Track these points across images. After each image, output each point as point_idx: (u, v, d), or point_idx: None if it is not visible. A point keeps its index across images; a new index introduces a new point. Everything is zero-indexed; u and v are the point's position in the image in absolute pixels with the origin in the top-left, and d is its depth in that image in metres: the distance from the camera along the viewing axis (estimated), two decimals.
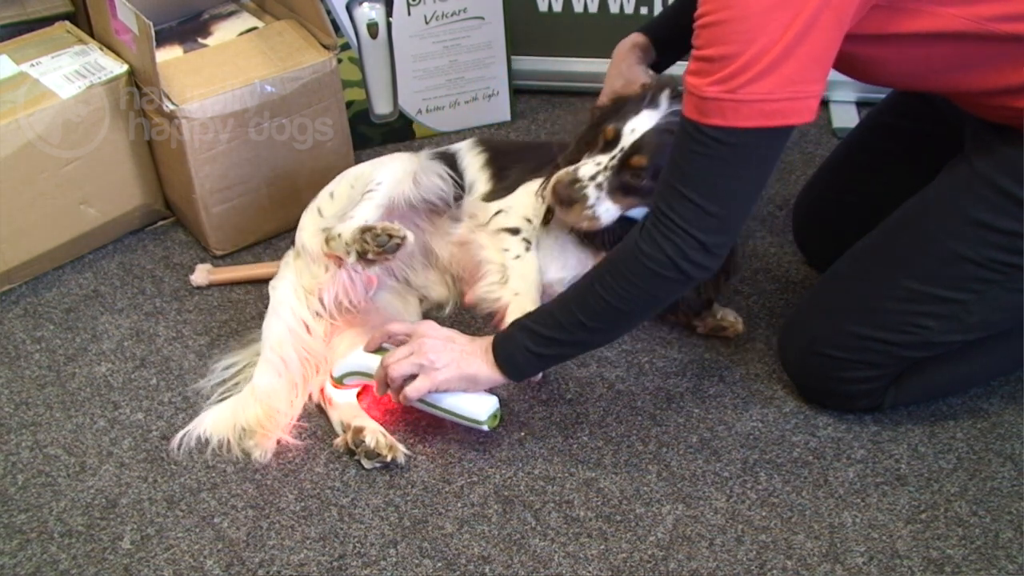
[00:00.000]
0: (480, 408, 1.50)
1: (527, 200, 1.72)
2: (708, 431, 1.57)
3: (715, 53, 1.21)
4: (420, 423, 1.60)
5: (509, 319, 1.57)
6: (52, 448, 1.59)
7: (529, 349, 1.42)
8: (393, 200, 1.67)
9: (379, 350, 1.55)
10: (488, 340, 1.46)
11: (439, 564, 1.40)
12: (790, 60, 1.19)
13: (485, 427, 1.51)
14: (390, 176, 1.68)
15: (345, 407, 1.57)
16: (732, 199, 1.30)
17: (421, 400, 1.48)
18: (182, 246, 2.00)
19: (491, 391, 1.51)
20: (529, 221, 1.70)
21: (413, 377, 1.46)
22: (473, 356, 1.46)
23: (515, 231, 1.69)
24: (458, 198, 1.76)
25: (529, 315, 1.46)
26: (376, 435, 1.51)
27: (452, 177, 1.75)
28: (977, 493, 1.47)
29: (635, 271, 1.34)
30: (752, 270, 1.88)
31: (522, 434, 1.58)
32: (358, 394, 1.62)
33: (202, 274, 1.89)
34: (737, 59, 1.19)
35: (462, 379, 1.46)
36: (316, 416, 1.61)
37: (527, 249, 1.69)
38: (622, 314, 1.39)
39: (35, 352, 1.76)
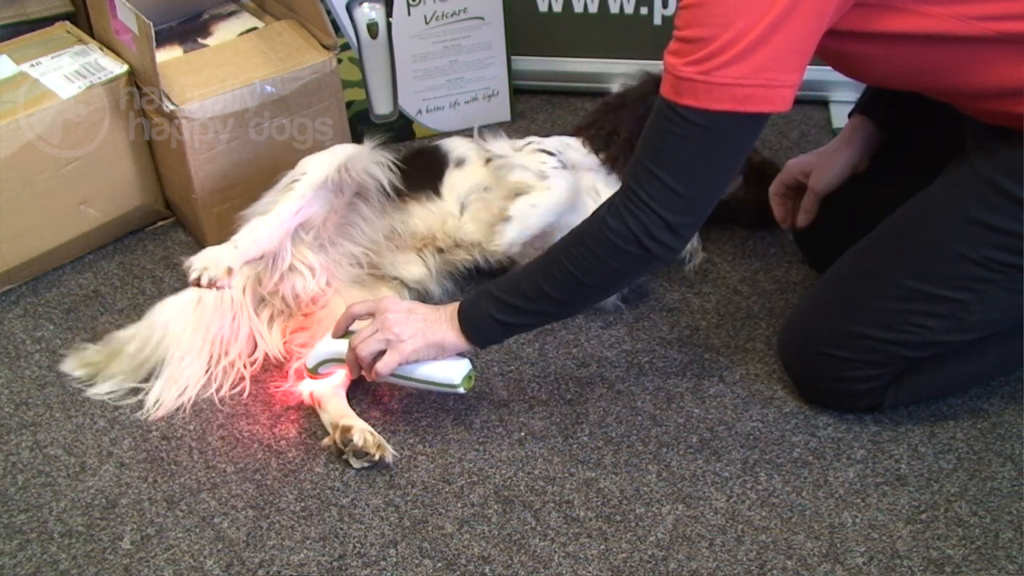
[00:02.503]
0: (453, 372, 1.50)
1: (558, 143, 1.80)
2: (708, 431, 1.57)
3: (693, 34, 1.23)
4: (420, 423, 1.60)
5: (524, 205, 1.67)
6: (52, 448, 1.59)
7: (493, 316, 1.43)
8: (315, 191, 1.66)
9: (347, 334, 1.55)
10: (454, 307, 1.47)
11: (439, 564, 1.40)
12: (766, 47, 1.20)
13: (461, 389, 1.51)
14: (316, 167, 1.67)
15: (334, 407, 1.57)
16: (701, 181, 1.31)
17: (394, 374, 1.49)
18: (182, 246, 2.00)
19: (462, 354, 1.51)
20: (558, 154, 1.77)
21: (383, 353, 1.47)
22: (438, 323, 1.47)
23: (551, 153, 1.75)
24: (400, 192, 1.76)
25: (495, 283, 1.46)
26: (364, 434, 1.51)
27: (395, 165, 1.74)
28: (977, 493, 1.47)
29: (600, 244, 1.35)
30: (752, 270, 1.89)
31: (522, 434, 1.58)
32: (348, 391, 1.62)
33: None
34: (713, 42, 1.21)
35: (429, 347, 1.47)
36: (316, 415, 1.61)
37: (563, 168, 1.74)
38: (585, 287, 1.40)
39: (35, 352, 1.76)
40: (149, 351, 1.63)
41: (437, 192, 1.78)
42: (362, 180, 1.70)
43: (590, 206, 1.77)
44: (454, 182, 1.79)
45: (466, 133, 1.87)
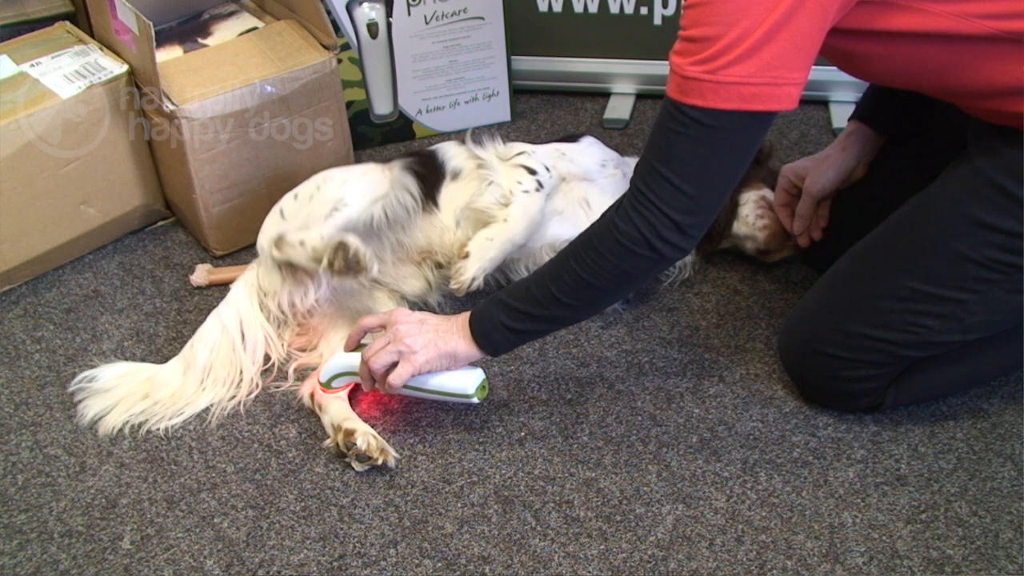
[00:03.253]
0: (466, 382, 1.50)
1: (553, 153, 1.79)
2: (708, 431, 1.57)
3: (698, 34, 1.22)
4: (420, 423, 1.60)
5: (480, 240, 1.68)
6: (52, 448, 1.59)
7: (504, 324, 1.43)
8: (358, 224, 1.67)
9: (359, 347, 1.55)
10: (465, 316, 1.47)
11: (439, 564, 1.40)
12: (771, 45, 1.20)
13: (475, 399, 1.51)
14: (360, 199, 1.67)
15: (336, 409, 1.57)
16: (708, 181, 1.31)
17: (407, 386, 1.49)
18: (182, 246, 2.00)
19: (474, 363, 1.51)
20: (548, 169, 1.75)
21: (396, 365, 1.47)
22: (449, 333, 1.47)
23: (532, 171, 1.73)
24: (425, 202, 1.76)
25: (505, 290, 1.46)
26: (367, 438, 1.51)
27: (420, 192, 1.74)
28: (977, 493, 1.47)
29: (609, 247, 1.35)
30: (752, 270, 1.88)
31: (522, 434, 1.58)
32: (350, 393, 1.62)
33: (202, 274, 1.89)
34: (719, 41, 1.20)
35: (442, 357, 1.47)
36: (315, 416, 1.61)
37: (537, 190, 1.72)
38: (596, 290, 1.39)
39: (35, 352, 1.76)
40: (188, 397, 1.64)
41: (435, 203, 1.77)
42: (391, 214, 1.71)
43: (580, 216, 1.77)
44: (451, 195, 1.77)
45: (462, 138, 1.83)
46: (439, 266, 1.78)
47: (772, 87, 1.23)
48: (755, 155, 1.83)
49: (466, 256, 1.69)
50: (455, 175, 1.78)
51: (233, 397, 1.64)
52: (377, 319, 1.53)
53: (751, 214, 1.83)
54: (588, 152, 1.84)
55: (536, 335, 1.54)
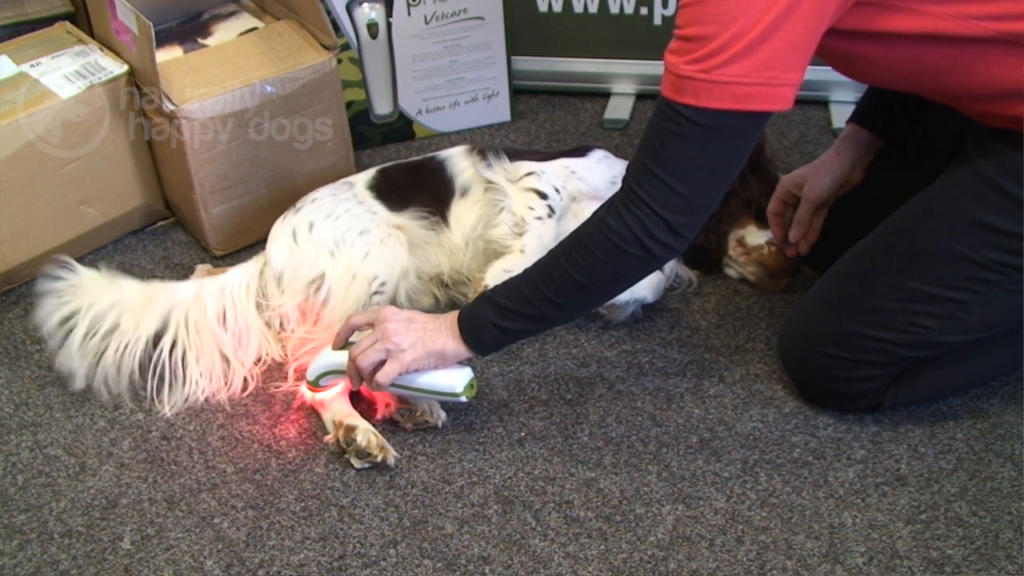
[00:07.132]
0: (454, 380, 1.49)
1: (562, 172, 1.76)
2: (708, 431, 1.57)
3: (694, 33, 1.22)
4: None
5: (498, 272, 1.64)
6: (52, 448, 1.59)
7: (494, 323, 1.42)
8: (396, 293, 1.70)
9: (346, 345, 1.54)
10: (454, 315, 1.46)
11: (439, 564, 1.40)
12: (766, 45, 1.20)
13: (463, 398, 1.50)
14: (392, 274, 1.68)
15: (337, 406, 1.57)
16: (701, 181, 1.31)
17: (394, 384, 1.48)
18: (182, 246, 2.00)
19: (463, 362, 1.50)
20: (558, 191, 1.73)
21: (384, 363, 1.46)
22: (438, 332, 1.46)
23: (543, 195, 1.72)
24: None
25: (495, 289, 1.46)
26: (368, 435, 1.51)
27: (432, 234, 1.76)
28: (977, 493, 1.47)
29: (600, 245, 1.35)
30: None
31: (522, 434, 1.58)
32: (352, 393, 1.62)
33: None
34: (714, 40, 1.20)
35: (430, 356, 1.46)
36: (316, 415, 1.61)
37: (549, 216, 1.70)
38: (586, 290, 1.39)
39: (35, 352, 1.76)
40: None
41: (446, 222, 1.76)
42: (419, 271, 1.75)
43: None
44: (460, 213, 1.76)
45: (469, 147, 1.81)
46: (445, 285, 1.78)
47: (767, 87, 1.23)
48: (752, 158, 1.84)
49: (486, 289, 1.66)
50: (464, 192, 1.77)
51: (226, 389, 1.65)
52: (365, 317, 1.52)
53: (737, 257, 1.84)
54: (598, 169, 1.80)
55: (526, 334, 1.53)
